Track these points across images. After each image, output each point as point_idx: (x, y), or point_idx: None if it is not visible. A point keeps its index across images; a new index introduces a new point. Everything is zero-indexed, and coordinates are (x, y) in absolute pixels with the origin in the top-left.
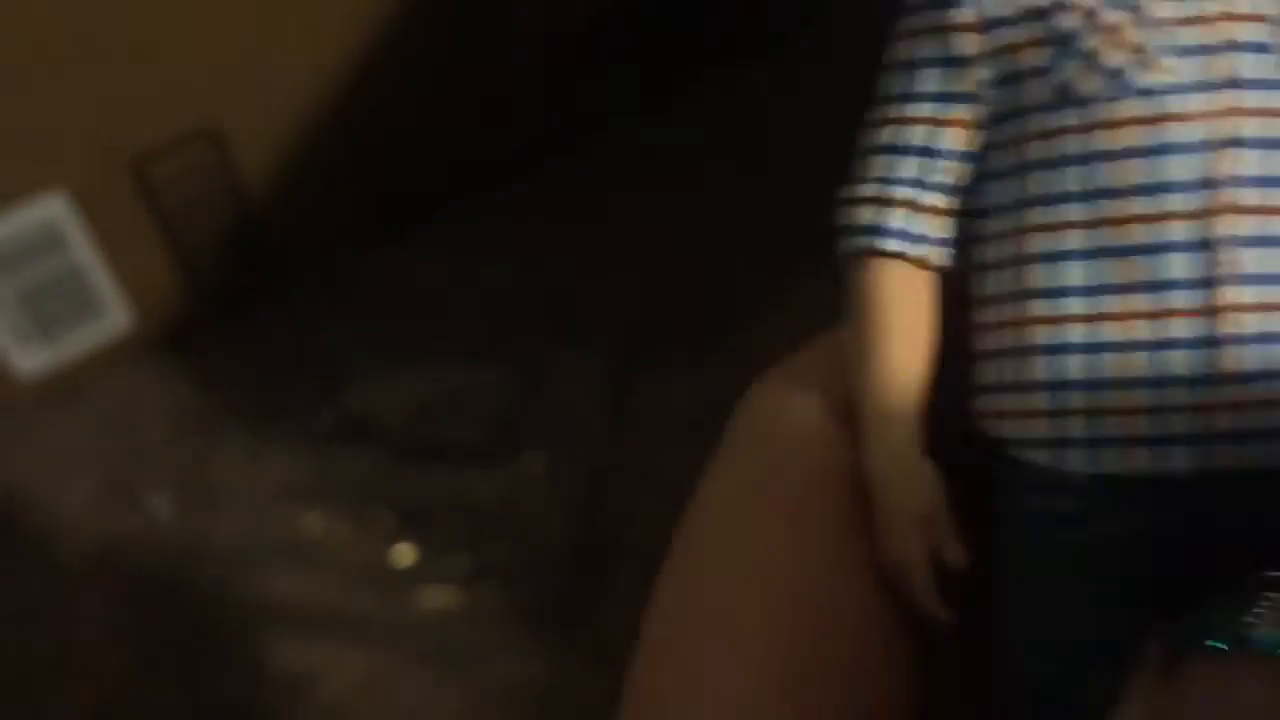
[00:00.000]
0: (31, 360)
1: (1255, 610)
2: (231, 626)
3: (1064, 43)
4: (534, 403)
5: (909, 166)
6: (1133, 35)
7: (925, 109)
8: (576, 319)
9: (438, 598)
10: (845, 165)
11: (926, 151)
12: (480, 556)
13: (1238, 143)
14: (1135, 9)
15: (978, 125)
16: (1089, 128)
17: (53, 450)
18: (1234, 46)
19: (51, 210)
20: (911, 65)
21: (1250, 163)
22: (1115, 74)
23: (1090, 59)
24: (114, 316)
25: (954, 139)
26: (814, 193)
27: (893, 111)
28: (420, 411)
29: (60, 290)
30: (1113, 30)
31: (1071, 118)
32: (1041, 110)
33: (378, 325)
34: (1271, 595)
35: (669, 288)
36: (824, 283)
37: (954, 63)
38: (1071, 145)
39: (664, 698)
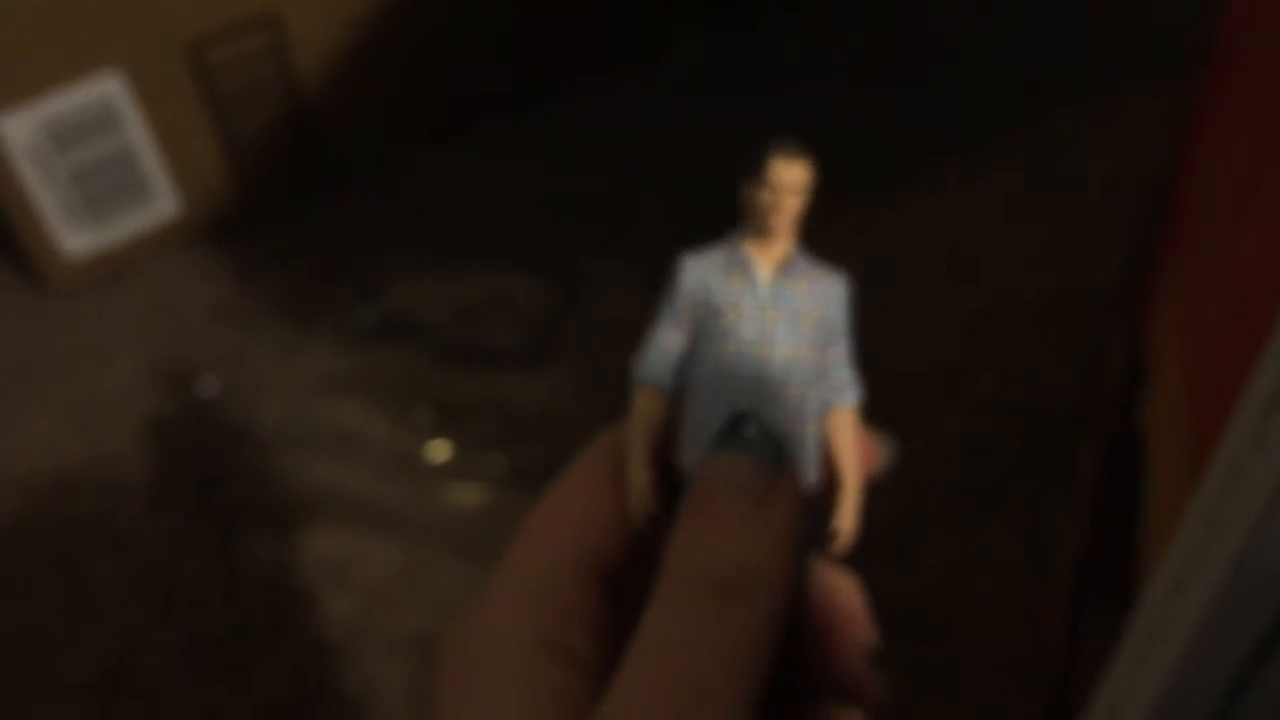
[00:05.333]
0: (79, 240)
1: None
2: (270, 508)
3: (715, 312)
4: (573, 311)
5: (656, 348)
6: (736, 311)
7: (667, 321)
8: (618, 229)
9: (471, 494)
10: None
11: (664, 343)
12: (514, 457)
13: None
14: (738, 309)
15: (685, 334)
16: (721, 347)
17: (98, 330)
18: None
19: (108, 89)
20: (666, 303)
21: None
22: (732, 326)
23: (726, 318)
24: (163, 201)
25: (673, 338)
26: (859, 120)
27: (658, 319)
28: (461, 313)
29: (112, 171)
30: (735, 308)
31: (716, 342)
32: (705, 336)
33: (424, 226)
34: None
35: (707, 202)
36: (864, 206)
37: (676, 311)
38: (712, 351)
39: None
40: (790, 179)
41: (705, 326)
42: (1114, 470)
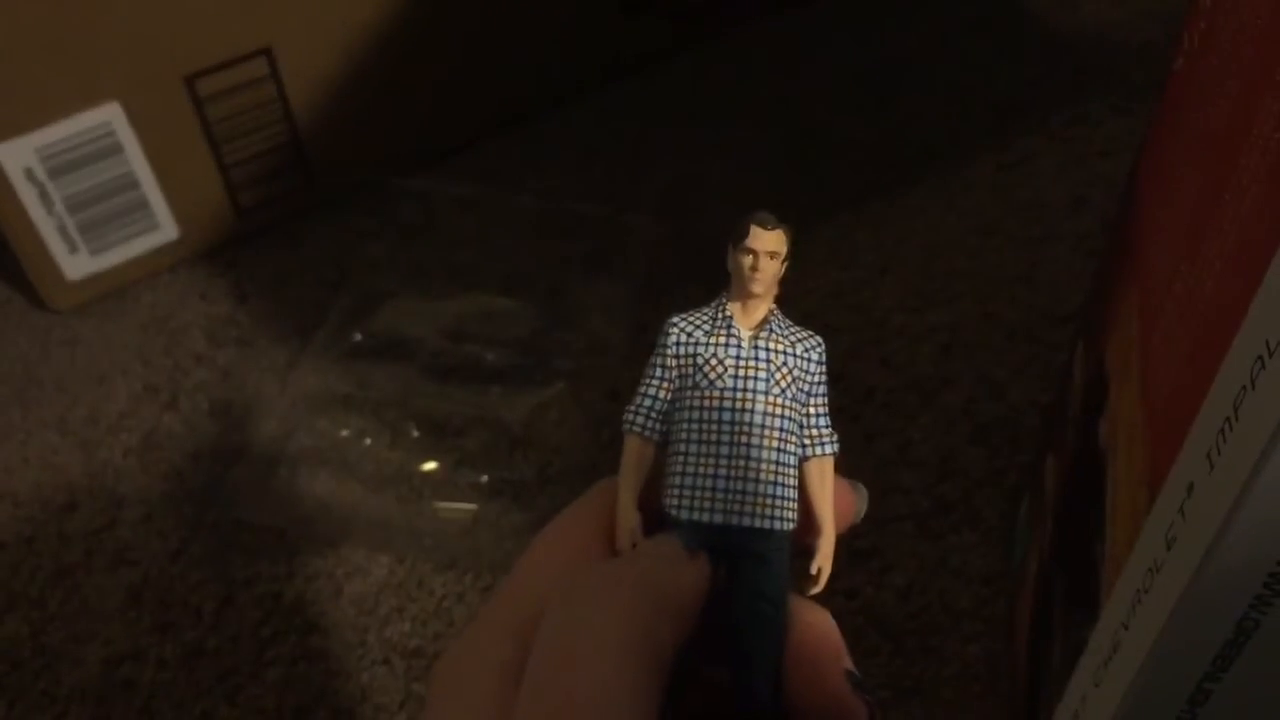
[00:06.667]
0: (80, 264)
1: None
2: (264, 522)
3: (701, 366)
4: (560, 329)
5: (646, 399)
6: (720, 366)
7: (656, 375)
8: (605, 249)
9: (459, 508)
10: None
11: (653, 395)
12: (501, 472)
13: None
14: (722, 363)
15: (672, 386)
16: (704, 398)
17: (98, 350)
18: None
19: (108, 120)
20: (655, 358)
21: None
22: (716, 378)
23: (710, 371)
24: (161, 227)
25: (662, 390)
26: (836, 144)
27: (648, 373)
28: (451, 332)
29: (112, 199)
30: (720, 363)
31: (701, 392)
32: (691, 387)
33: (415, 247)
34: None
35: (691, 223)
36: (841, 228)
37: (664, 365)
38: (696, 402)
39: None
40: (769, 244)
41: (691, 379)
42: (1077, 485)
